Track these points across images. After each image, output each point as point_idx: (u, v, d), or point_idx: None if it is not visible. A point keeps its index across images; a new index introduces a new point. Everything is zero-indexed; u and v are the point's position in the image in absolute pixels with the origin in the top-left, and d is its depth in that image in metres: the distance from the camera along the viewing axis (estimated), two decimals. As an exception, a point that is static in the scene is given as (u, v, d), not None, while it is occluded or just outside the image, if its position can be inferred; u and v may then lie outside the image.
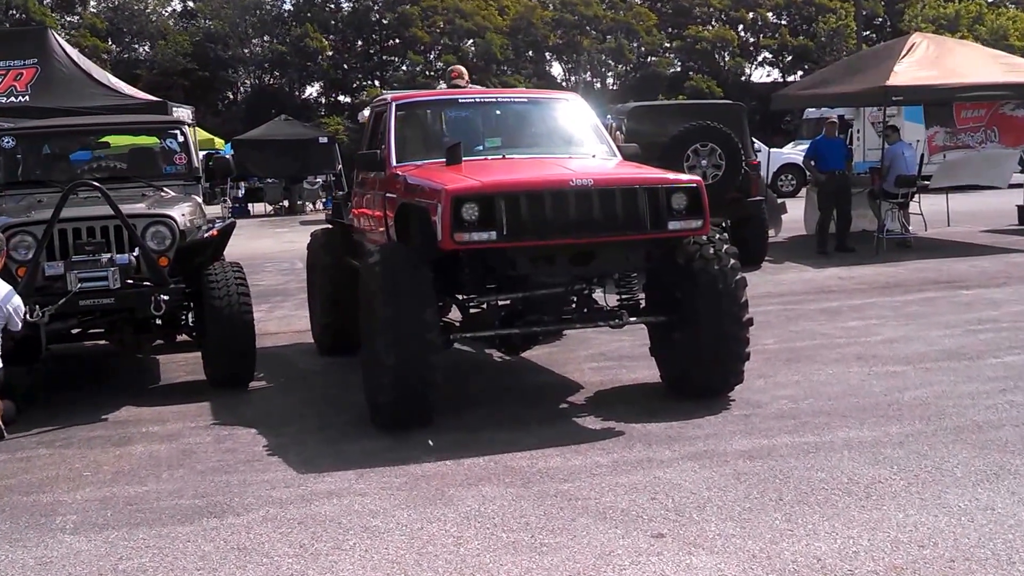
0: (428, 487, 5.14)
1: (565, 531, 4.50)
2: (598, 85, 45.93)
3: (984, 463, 5.21)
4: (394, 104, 7.58)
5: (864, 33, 41.10)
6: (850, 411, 6.26)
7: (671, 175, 6.58)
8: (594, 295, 6.99)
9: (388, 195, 7.07)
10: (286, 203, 26.45)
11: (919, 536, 4.32)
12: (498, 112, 7.93)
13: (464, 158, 6.69)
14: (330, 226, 9.21)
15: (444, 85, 9.64)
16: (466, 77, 9.36)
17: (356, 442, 6.00)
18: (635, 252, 6.47)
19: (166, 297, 6.99)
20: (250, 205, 26.81)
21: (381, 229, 7.30)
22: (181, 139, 8.84)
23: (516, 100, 8.15)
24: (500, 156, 7.11)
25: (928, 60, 14.41)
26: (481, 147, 7.45)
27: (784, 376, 7.20)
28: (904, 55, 14.46)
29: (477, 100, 7.98)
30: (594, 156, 7.25)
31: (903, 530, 4.39)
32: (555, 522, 4.61)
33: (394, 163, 7.14)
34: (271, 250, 16.38)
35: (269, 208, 26.77)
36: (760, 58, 49.00)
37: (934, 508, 4.63)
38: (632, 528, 4.51)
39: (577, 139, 7.58)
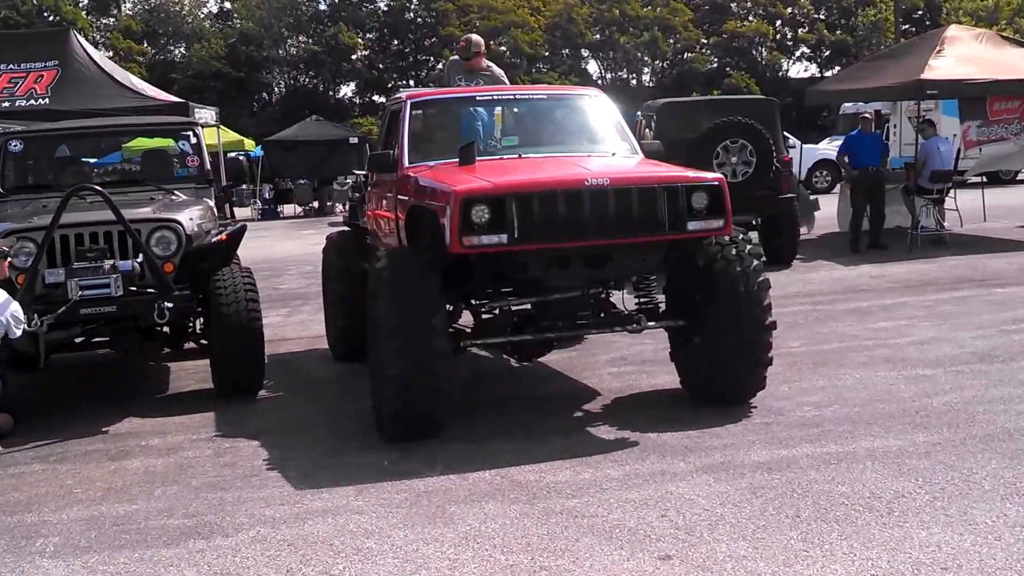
0: (429, 504, 4.95)
1: (567, 553, 4.29)
2: (634, 82, 45.55)
3: (1014, 475, 4.94)
4: (409, 103, 7.37)
5: (904, 27, 40.38)
6: (876, 418, 6.00)
7: (691, 173, 6.32)
8: (612, 298, 6.77)
9: (400, 197, 6.89)
10: (316, 204, 26.38)
11: (942, 557, 4.06)
12: (516, 110, 7.75)
13: (479, 158, 6.51)
14: (347, 229, 9.06)
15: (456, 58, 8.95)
16: (480, 48, 8.65)
17: (360, 455, 5.82)
18: (653, 254, 6.25)
19: (170, 305, 6.83)
20: (280, 207, 26.78)
21: (393, 233, 7.13)
22: (194, 141, 8.66)
23: (535, 97, 7.92)
24: (516, 155, 6.92)
25: (964, 53, 14.04)
26: (498, 146, 7.26)
27: (809, 381, 6.94)
28: (940, 48, 14.10)
29: (495, 97, 7.74)
30: (614, 154, 7.01)
31: (925, 550, 4.13)
32: (558, 543, 4.40)
33: (406, 164, 6.94)
34: (296, 252, 16.27)
35: (299, 209, 26.71)
36: (798, 53, 48.36)
37: (959, 525, 4.37)
38: (638, 549, 4.29)
39: (597, 136, 7.35)
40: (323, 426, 6.55)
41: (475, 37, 8.89)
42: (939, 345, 7.83)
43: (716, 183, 6.13)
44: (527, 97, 7.87)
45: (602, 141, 7.24)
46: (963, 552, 4.10)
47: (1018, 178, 22.48)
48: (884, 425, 5.85)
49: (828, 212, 15.37)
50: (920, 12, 45.42)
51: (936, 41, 14.58)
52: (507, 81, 8.74)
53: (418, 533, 4.59)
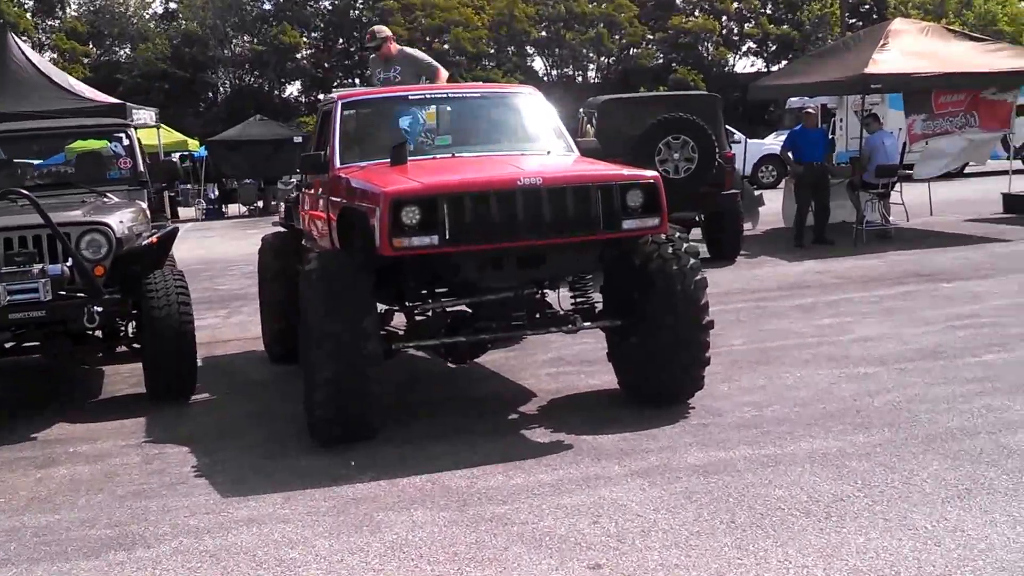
0: (356, 512, 4.76)
1: (495, 562, 4.13)
2: (580, 79, 45.56)
3: (955, 476, 4.85)
4: (340, 103, 7.21)
5: (850, 21, 40.73)
6: (816, 418, 5.90)
7: (626, 171, 6.22)
8: (548, 298, 6.64)
9: (332, 198, 6.73)
10: (260, 204, 26.04)
11: (880, 565, 3.95)
12: (449, 108, 7.59)
13: (412, 158, 6.38)
14: (282, 230, 8.85)
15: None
16: (384, 35, 8.56)
17: (291, 460, 5.63)
18: (589, 253, 6.15)
19: (100, 309, 6.64)
20: (225, 207, 26.40)
21: (327, 235, 6.95)
22: (127, 143, 8.50)
23: (469, 95, 7.77)
24: (450, 155, 6.79)
25: (909, 47, 14.09)
26: (431, 146, 7.11)
27: (749, 380, 6.84)
28: (885, 42, 14.14)
29: (427, 96, 7.60)
30: (549, 153, 6.90)
31: (863, 557, 4.02)
32: (486, 551, 4.24)
33: (338, 165, 6.78)
34: (239, 253, 15.92)
35: (244, 209, 26.37)
36: (744, 48, 48.65)
37: (898, 530, 4.26)
38: (568, 557, 4.14)
39: (532, 135, 7.22)
40: (256, 430, 6.36)
41: (377, 27, 8.81)
42: (883, 342, 7.77)
43: (652, 181, 6.03)
44: (461, 96, 7.72)
45: (537, 139, 7.12)
46: (901, 558, 4.00)
47: (965, 171, 22.69)
48: (824, 425, 5.75)
49: (774, 207, 15.37)
50: (867, 6, 45.88)
51: (881, 35, 14.62)
52: (428, 61, 8.61)
53: (343, 542, 4.41)
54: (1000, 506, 4.46)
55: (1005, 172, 18.11)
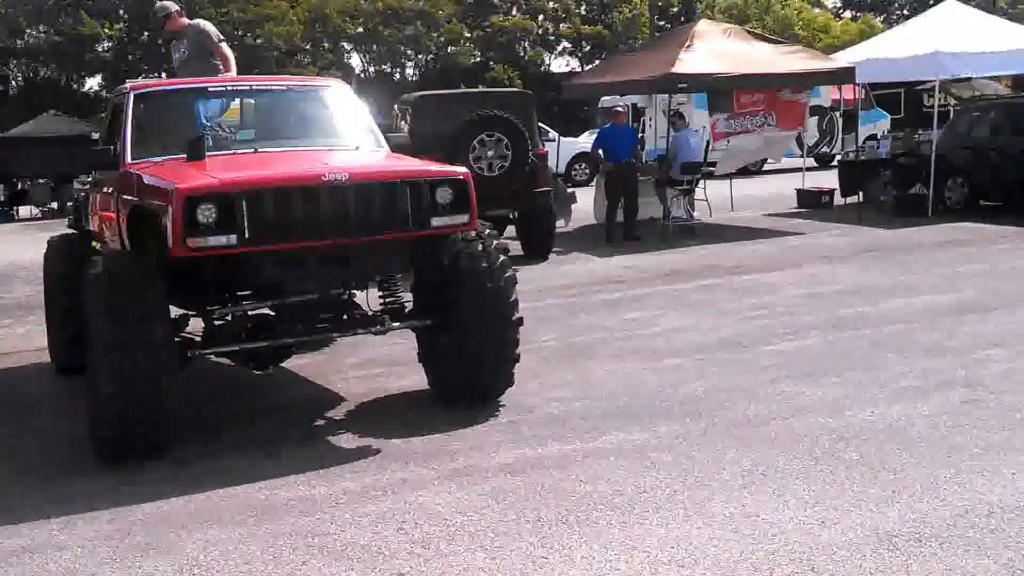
0: (145, 534, 4.47)
1: (293, 578, 3.96)
2: (397, 76, 45.25)
3: (752, 462, 4.99)
4: (133, 94, 6.81)
5: (660, 23, 42.04)
6: (623, 411, 5.98)
7: (435, 167, 6.12)
8: (356, 299, 6.47)
9: (123, 196, 6.31)
10: (55, 205, 24.48)
11: (680, 554, 4.00)
12: (252, 101, 7.28)
13: (211, 153, 6.08)
14: (71, 232, 8.32)
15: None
16: (168, 11, 8.35)
17: (73, 482, 5.24)
18: (397, 252, 6.03)
19: None
20: (15, 208, 24.74)
21: (117, 236, 6.53)
22: None
23: (273, 88, 7.48)
24: (252, 150, 6.52)
25: (713, 48, 14.55)
26: (231, 140, 6.80)
27: (559, 376, 6.87)
28: (690, 43, 14.54)
29: (229, 88, 7.30)
30: (357, 148, 6.72)
31: (664, 548, 4.06)
32: (283, 567, 4.05)
33: (129, 160, 6.37)
34: (29, 258, 14.93)
35: (36, 211, 24.80)
36: (560, 48, 49.44)
37: (698, 519, 4.34)
38: (370, 568, 4.00)
39: (340, 130, 7.03)
40: (35, 450, 5.90)
41: (159, 3, 8.57)
42: (686, 334, 7.97)
43: (461, 177, 5.94)
44: (265, 88, 7.43)
45: (345, 135, 6.93)
46: (700, 547, 4.06)
47: (763, 169, 23.77)
48: (630, 418, 5.82)
49: (586, 205, 15.64)
50: (676, 9, 47.43)
51: (686, 36, 15.05)
52: (213, 37, 8.19)
53: (128, 568, 4.13)
54: (791, 489, 4.61)
55: (799, 169, 19.11)
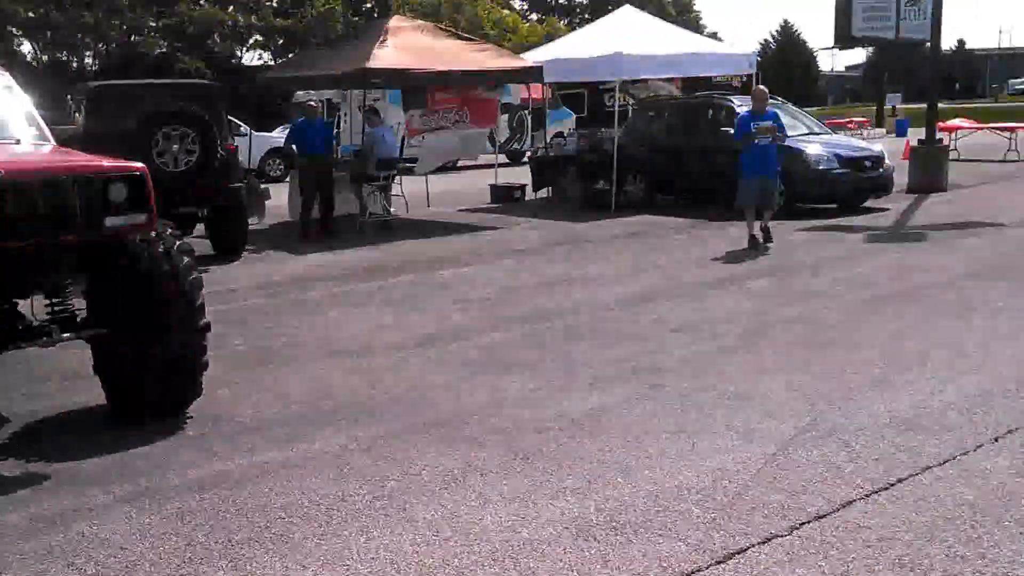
0: None
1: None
2: (75, 65, 42.14)
3: (451, 462, 4.93)
4: None
5: (354, 18, 41.75)
6: (319, 416, 5.74)
7: (107, 162, 5.59)
8: (19, 308, 5.81)
9: None
10: None
11: (381, 565, 3.85)
12: None
13: None
14: None
15: None
16: None
17: None
18: (66, 256, 5.49)
19: None
20: None
21: None
22: None
23: None
24: None
25: (407, 45, 14.53)
26: None
27: (251, 382, 6.52)
28: (383, 39, 14.45)
29: None
30: (19, 142, 6.08)
31: (364, 560, 3.89)
32: (-74, 623, 3.52)
33: None
34: None
35: None
36: (252, 40, 47.95)
37: (399, 525, 4.20)
38: (34, 613, 3.56)
39: None
40: None
41: None
42: (385, 331, 7.85)
43: (137, 173, 5.49)
44: None
45: (4, 127, 6.23)
46: (402, 554, 3.93)
47: (458, 164, 24.14)
48: (327, 423, 5.61)
49: (280, 201, 15.17)
50: (370, 5, 47.33)
51: (379, 31, 14.95)
52: None
53: None
54: (493, 486, 4.58)
55: (492, 165, 19.58)
